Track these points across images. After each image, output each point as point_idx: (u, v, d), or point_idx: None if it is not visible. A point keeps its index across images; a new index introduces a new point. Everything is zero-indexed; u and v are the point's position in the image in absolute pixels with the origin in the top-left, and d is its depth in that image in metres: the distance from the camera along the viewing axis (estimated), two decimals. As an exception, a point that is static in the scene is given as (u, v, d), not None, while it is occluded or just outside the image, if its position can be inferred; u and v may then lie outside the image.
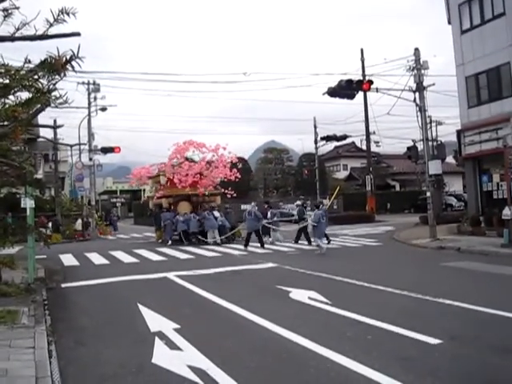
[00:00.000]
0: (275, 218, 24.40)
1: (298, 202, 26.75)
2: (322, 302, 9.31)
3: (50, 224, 31.76)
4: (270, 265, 15.27)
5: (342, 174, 66.29)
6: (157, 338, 7.12)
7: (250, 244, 21.50)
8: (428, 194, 21.97)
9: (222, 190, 28.85)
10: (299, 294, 10.05)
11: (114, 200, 75.26)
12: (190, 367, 5.82)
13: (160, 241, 27.10)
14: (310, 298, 9.64)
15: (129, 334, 7.66)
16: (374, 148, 44.74)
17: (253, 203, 24.43)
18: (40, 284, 12.44)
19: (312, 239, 20.39)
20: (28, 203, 11.97)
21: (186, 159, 28.17)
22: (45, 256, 19.25)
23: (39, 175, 41.71)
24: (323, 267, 13.89)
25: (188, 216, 25.32)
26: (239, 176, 29.00)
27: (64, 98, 5.97)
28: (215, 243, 23.71)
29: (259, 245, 21.31)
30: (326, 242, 20.55)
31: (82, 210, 37.30)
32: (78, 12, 4.92)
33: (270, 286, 11.38)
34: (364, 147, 45.41)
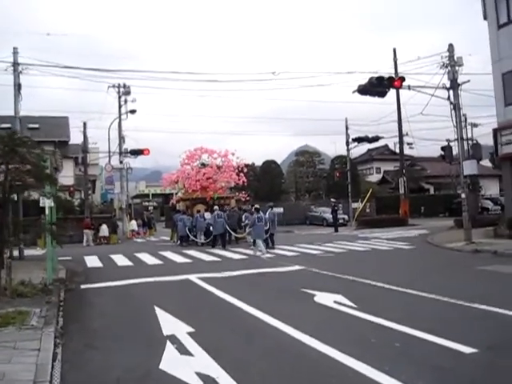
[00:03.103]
0: (246, 222, 24.39)
1: (248, 208, 26.79)
2: (347, 306, 8.75)
3: (103, 226, 32.54)
4: (297, 267, 14.74)
5: (374, 178, 65.22)
6: (168, 342, 6.70)
7: (277, 247, 21.24)
8: (463, 195, 21.11)
9: (237, 194, 30.94)
10: (324, 298, 9.51)
11: (146, 203, 75.52)
12: (199, 374, 5.37)
13: (173, 241, 28.80)
14: (335, 302, 9.08)
15: (141, 338, 7.26)
16: (407, 150, 43.64)
17: (215, 207, 25.17)
18: (59, 285, 12.18)
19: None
20: (46, 203, 11.72)
21: (203, 165, 30.19)
22: (70, 257, 19.22)
23: (69, 176, 42.14)
24: (351, 270, 13.29)
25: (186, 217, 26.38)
26: (245, 180, 31.10)
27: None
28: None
29: (221, 246, 22.88)
30: (265, 245, 20.66)
31: (112, 212, 37.55)
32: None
33: (295, 289, 10.86)
34: (397, 150, 44.35)
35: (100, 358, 6.32)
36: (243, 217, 24.44)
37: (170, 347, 6.50)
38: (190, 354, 6.18)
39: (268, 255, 18.92)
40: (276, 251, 20.15)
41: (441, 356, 5.80)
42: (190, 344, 6.61)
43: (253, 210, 21.67)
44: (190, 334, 7.16)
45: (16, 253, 18.63)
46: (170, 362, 5.90)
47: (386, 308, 8.55)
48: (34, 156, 8.16)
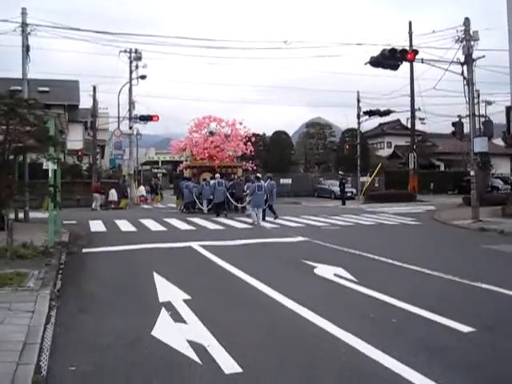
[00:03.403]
0: (248, 191, 24.05)
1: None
2: (347, 279, 8.64)
3: (112, 190, 32.60)
4: (300, 239, 14.65)
5: (385, 152, 64.66)
6: (163, 309, 6.63)
7: (283, 217, 21.15)
8: (472, 173, 20.81)
9: (244, 163, 30.79)
10: (324, 270, 9.41)
11: (156, 170, 75.51)
12: (190, 342, 5.30)
13: (178, 208, 28.79)
14: (335, 275, 8.98)
15: (136, 303, 7.21)
16: (419, 126, 43.12)
17: (217, 175, 25.51)
18: (61, 248, 12.18)
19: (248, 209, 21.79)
20: (50, 165, 11.61)
21: (211, 133, 30.28)
22: (74, 221, 19.24)
23: (78, 141, 42.07)
24: (355, 244, 13.17)
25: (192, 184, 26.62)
26: (252, 150, 31.38)
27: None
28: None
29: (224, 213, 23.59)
30: (274, 216, 21.28)
31: (120, 178, 37.55)
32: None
33: (295, 261, 10.77)
34: (409, 125, 43.78)
35: (93, 322, 6.27)
36: (245, 186, 24.31)
37: (164, 314, 6.43)
38: (184, 322, 6.11)
39: (267, 225, 18.89)
40: (281, 222, 20.06)
41: (438, 334, 5.68)
42: (185, 311, 6.54)
43: (253, 178, 21.69)
44: (185, 301, 7.09)
45: (22, 215, 18.72)
46: (163, 328, 5.83)
47: (386, 283, 8.43)
48: (34, 117, 7.99)
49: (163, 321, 6.16)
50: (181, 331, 5.74)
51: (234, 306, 7.17)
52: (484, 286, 8.16)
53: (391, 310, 6.75)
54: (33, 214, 19.39)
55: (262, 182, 21.20)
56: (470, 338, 5.51)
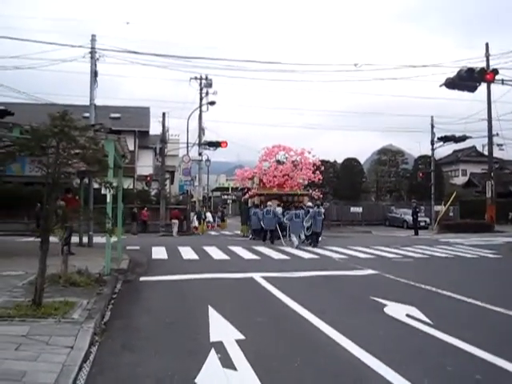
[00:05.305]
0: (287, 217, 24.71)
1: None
2: (421, 321, 7.64)
3: (195, 217, 35.44)
4: (370, 272, 13.65)
5: (460, 180, 62.29)
6: (213, 350, 5.92)
7: (350, 247, 20.23)
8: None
9: (310, 191, 31.08)
10: (395, 310, 8.44)
11: (225, 197, 75.85)
12: (237, 395, 4.58)
13: (244, 235, 29.99)
14: (407, 316, 8.01)
15: (185, 342, 6.53)
16: (496, 152, 40.98)
17: (269, 203, 26.44)
18: (117, 275, 11.80)
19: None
20: (108, 191, 11.30)
21: (278, 162, 31.00)
22: (138, 247, 19.08)
23: (148, 166, 42.63)
24: (430, 279, 12.06)
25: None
26: (321, 178, 31.80)
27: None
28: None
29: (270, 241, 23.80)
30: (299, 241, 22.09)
31: (188, 204, 37.61)
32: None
33: (364, 297, 9.82)
34: (485, 152, 41.70)
35: (135, 362, 5.66)
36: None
37: (213, 357, 5.72)
38: (233, 368, 5.38)
39: (335, 255, 17.93)
40: (350, 252, 19.10)
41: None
42: (236, 355, 5.81)
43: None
44: (238, 342, 6.36)
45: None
46: (209, 375, 5.14)
47: (466, 328, 7.38)
48: (86, 139, 7.63)
49: (211, 365, 5.45)
50: (228, 380, 5.02)
51: (292, 350, 6.31)
52: None
53: (473, 361, 5.75)
54: (99, 239, 19.33)
55: (301, 211, 22.92)
56: None
